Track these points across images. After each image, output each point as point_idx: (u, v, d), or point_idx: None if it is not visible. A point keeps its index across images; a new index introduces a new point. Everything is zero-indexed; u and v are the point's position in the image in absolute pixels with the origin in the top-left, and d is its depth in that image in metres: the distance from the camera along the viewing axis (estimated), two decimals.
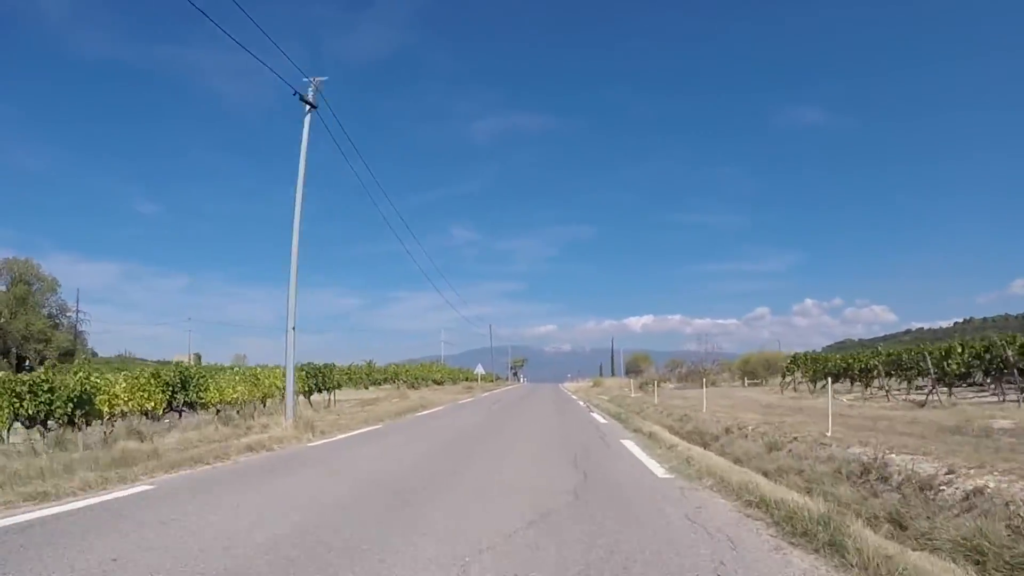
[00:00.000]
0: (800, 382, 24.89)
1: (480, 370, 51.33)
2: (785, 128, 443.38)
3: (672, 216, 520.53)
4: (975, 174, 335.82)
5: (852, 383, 21.38)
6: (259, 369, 17.59)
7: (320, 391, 20.29)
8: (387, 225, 72.82)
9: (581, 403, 24.88)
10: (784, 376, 26.42)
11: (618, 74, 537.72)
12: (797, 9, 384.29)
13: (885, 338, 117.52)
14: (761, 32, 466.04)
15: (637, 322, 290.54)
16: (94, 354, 60.77)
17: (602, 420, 15.45)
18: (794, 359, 26.41)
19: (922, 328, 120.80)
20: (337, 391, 22.54)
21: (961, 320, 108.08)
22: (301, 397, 17.49)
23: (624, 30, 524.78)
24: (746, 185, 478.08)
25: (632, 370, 68.33)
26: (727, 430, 9.46)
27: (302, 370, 17.99)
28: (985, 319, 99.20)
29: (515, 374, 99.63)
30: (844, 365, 21.84)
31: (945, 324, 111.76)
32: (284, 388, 12.94)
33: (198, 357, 63.83)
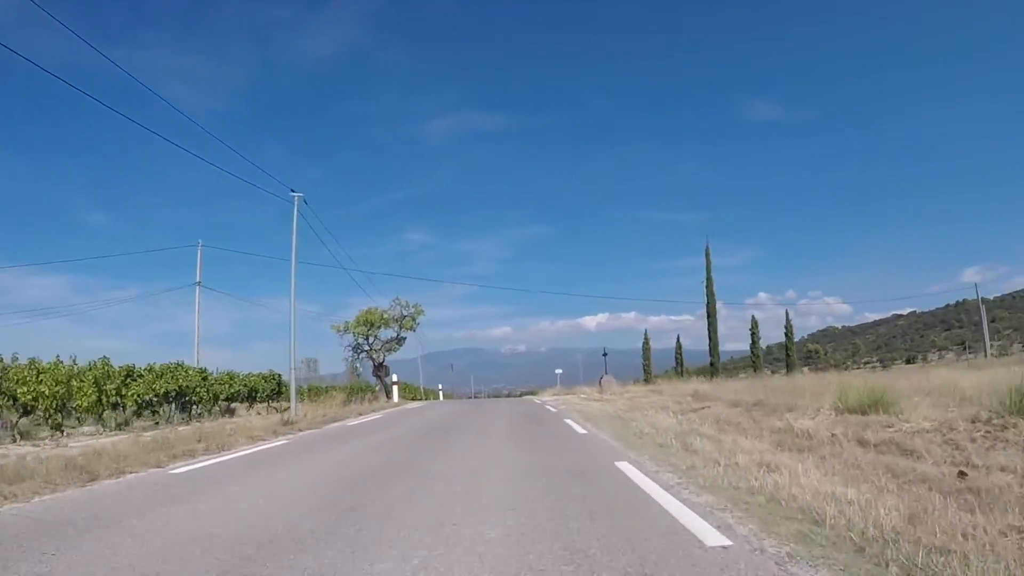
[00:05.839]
0: None
1: None
2: (742, 127, 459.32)
3: (628, 213, 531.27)
4: (928, 169, 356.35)
5: None
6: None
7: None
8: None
9: None
10: None
11: (576, 72, 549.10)
12: (755, 14, 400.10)
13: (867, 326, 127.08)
14: (722, 33, 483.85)
15: (592, 321, 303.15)
16: None
17: None
18: None
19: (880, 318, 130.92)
20: None
21: (914, 310, 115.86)
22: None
23: (583, 28, 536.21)
24: (702, 182, 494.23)
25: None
26: None
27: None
28: (936, 309, 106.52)
29: (380, 379, 34.83)
30: None
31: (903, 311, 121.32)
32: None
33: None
